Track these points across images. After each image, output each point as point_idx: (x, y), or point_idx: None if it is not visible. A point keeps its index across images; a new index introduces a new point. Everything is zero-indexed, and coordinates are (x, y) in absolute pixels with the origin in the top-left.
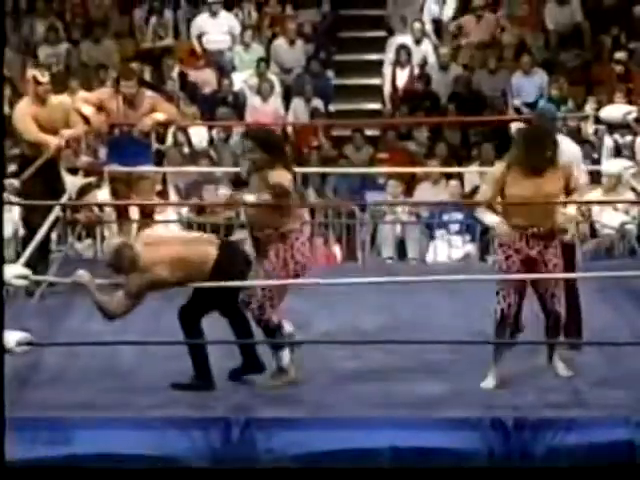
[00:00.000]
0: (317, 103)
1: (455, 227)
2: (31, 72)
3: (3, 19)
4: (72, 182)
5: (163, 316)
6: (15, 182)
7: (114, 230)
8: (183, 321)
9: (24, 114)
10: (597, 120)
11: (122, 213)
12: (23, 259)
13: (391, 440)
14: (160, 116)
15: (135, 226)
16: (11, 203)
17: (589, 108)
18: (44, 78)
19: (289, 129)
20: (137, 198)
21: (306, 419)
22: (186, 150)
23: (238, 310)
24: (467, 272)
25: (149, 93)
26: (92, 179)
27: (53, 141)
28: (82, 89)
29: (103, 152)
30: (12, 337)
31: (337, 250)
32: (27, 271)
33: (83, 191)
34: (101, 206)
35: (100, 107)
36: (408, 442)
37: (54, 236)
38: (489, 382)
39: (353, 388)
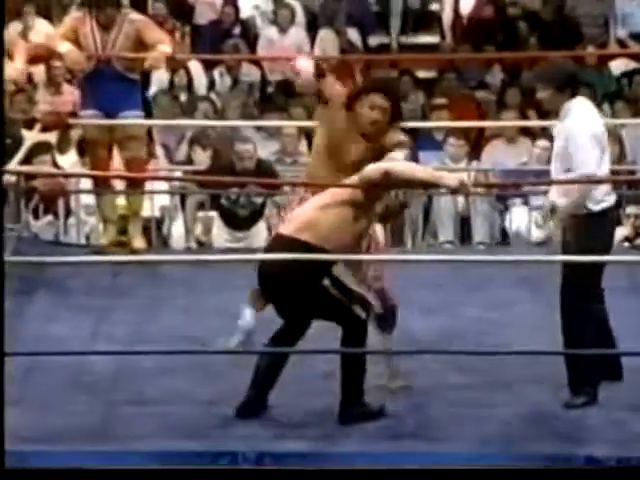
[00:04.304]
0: (352, 35)
1: (538, 201)
2: None
3: (3, 20)
4: (28, 139)
5: (151, 320)
6: None
7: (84, 203)
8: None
9: None
10: None
11: (100, 180)
12: None
13: None
14: (167, 48)
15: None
16: None
17: None
18: None
19: None
20: (123, 160)
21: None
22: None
23: (350, 322)
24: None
25: (134, 16)
26: (50, 135)
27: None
28: (39, 16)
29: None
30: None
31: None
32: None
33: (35, 151)
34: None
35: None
36: None
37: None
38: None
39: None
